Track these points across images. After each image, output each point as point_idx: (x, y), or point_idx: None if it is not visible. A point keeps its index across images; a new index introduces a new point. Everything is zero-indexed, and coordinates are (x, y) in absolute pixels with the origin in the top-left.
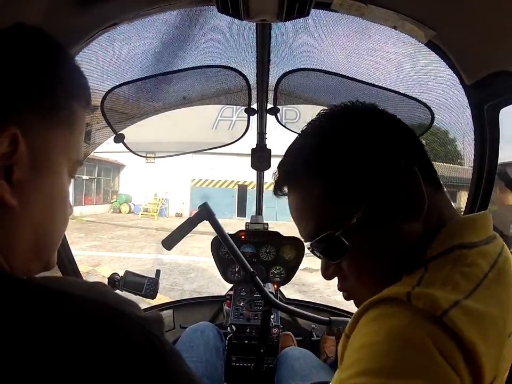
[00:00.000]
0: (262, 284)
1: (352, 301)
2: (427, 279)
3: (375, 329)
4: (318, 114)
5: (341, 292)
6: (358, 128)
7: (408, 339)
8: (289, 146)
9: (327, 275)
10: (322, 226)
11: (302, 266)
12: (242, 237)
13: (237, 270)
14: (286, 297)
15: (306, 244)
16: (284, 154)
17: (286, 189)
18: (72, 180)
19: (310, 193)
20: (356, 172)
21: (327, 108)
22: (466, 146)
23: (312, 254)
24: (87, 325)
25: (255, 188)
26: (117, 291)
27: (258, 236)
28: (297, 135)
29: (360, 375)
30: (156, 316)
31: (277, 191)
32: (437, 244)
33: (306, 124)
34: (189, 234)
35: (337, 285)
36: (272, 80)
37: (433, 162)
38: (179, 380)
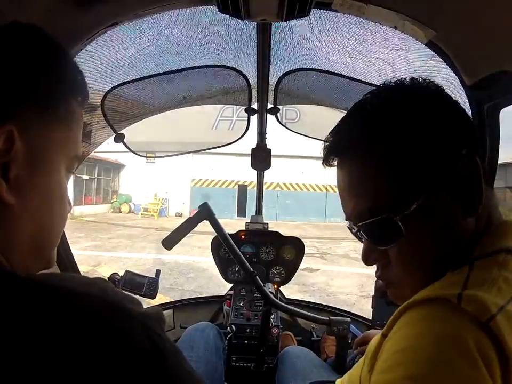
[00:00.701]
0: (262, 284)
1: (353, 301)
2: (473, 279)
3: (420, 332)
4: (380, 87)
5: (377, 280)
6: (425, 108)
7: (455, 346)
8: (348, 115)
9: (368, 260)
10: (377, 207)
11: (302, 266)
12: (242, 236)
13: (237, 270)
14: (286, 297)
15: (347, 223)
16: (338, 122)
17: (335, 161)
18: (71, 179)
19: (369, 169)
20: (421, 155)
21: (387, 83)
22: None
23: (310, 253)
24: (87, 321)
25: (255, 188)
26: None
27: (258, 235)
28: (354, 108)
29: (402, 380)
30: (156, 312)
31: (326, 161)
32: (485, 244)
33: (368, 95)
34: (189, 234)
35: (376, 273)
36: (272, 80)
37: None
38: (179, 376)
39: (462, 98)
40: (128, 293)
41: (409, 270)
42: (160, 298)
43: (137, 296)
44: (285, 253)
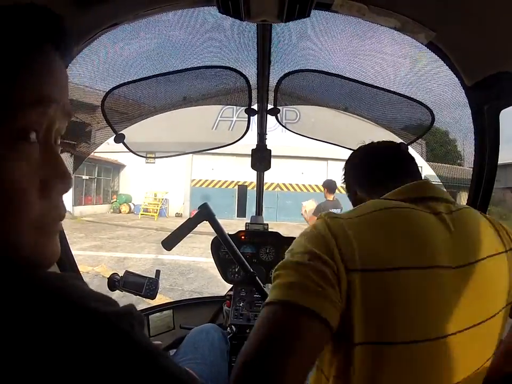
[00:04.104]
0: (262, 285)
1: None
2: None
3: None
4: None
5: None
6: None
7: (306, 231)
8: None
9: None
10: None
11: None
12: (242, 237)
13: (237, 270)
14: None
15: None
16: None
17: None
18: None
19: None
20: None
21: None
22: (467, 147)
23: None
24: (45, 324)
25: (255, 188)
26: (117, 291)
27: (258, 236)
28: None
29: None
30: (126, 308)
31: None
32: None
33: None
34: (188, 235)
35: None
36: (272, 81)
37: (433, 163)
38: (156, 377)
39: (461, 99)
40: (99, 292)
41: None
42: (160, 299)
43: (137, 297)
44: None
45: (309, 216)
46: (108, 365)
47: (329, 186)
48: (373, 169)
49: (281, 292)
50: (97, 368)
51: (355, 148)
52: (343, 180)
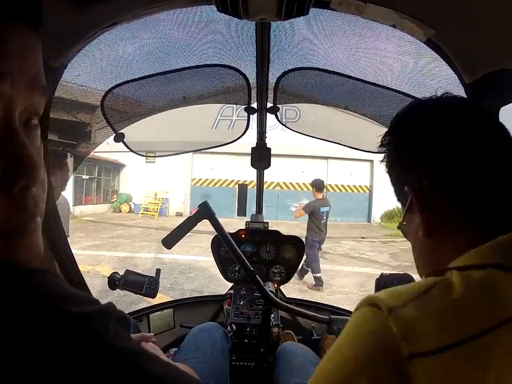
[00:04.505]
0: (262, 283)
1: (353, 300)
2: (432, 296)
3: (340, 337)
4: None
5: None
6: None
7: (357, 365)
8: None
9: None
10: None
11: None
12: (243, 236)
13: (237, 269)
14: (286, 296)
15: None
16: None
17: None
18: (71, 179)
19: None
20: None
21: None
22: None
23: None
24: (9, 325)
25: (255, 187)
26: (117, 290)
27: (258, 234)
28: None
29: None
30: (101, 308)
31: None
32: (468, 256)
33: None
34: (189, 234)
35: None
36: (272, 79)
37: None
38: (131, 379)
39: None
40: (76, 290)
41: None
42: (160, 298)
43: (137, 296)
44: (285, 252)
45: (297, 211)
46: (77, 369)
47: (318, 185)
48: (480, 153)
49: None
50: (63, 372)
51: (355, 146)
52: (391, 156)
